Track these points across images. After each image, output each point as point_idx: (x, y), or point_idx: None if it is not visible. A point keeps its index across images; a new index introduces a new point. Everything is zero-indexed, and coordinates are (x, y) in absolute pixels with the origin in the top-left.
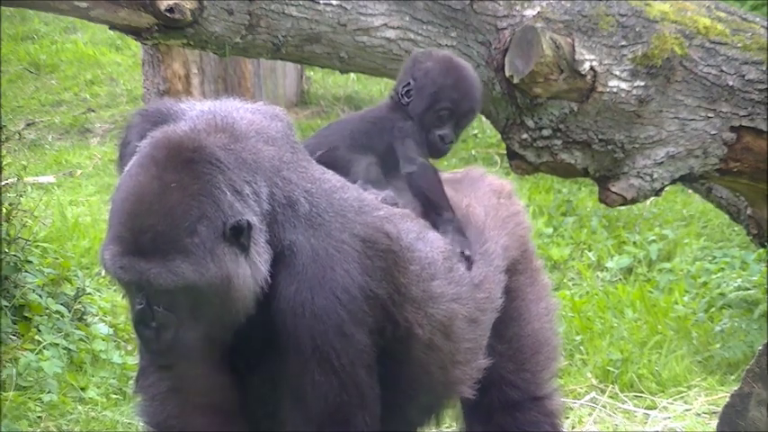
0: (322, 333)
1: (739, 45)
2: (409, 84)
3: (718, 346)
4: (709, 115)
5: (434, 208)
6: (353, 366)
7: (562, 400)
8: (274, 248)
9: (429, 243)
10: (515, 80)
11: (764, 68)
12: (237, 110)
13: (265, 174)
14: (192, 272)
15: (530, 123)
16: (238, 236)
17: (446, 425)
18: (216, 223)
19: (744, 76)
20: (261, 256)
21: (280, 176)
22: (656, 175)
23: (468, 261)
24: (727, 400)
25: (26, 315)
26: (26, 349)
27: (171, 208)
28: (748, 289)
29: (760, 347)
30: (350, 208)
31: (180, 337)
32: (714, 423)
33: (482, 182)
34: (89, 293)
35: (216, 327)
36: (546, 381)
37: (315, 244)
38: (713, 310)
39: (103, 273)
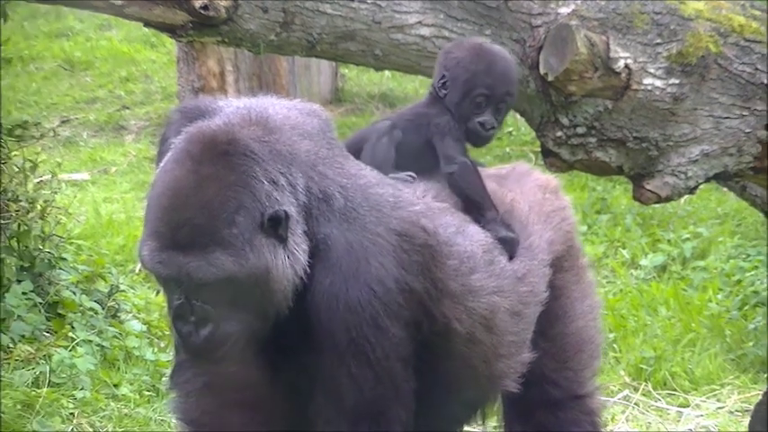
0: (357, 326)
1: None
2: (444, 76)
3: (751, 344)
4: (744, 113)
5: (477, 208)
6: (388, 359)
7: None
8: (310, 242)
9: (469, 237)
10: (550, 78)
11: None
12: (273, 105)
13: (301, 166)
14: (232, 263)
15: (564, 121)
16: (276, 226)
17: (481, 423)
18: (254, 214)
19: None
20: (299, 246)
21: (315, 171)
22: (690, 173)
23: (512, 253)
24: (760, 397)
25: (60, 312)
26: (60, 346)
27: (208, 200)
28: None
29: None
30: (385, 203)
31: (219, 331)
32: (746, 421)
33: (528, 177)
34: (123, 290)
35: (256, 320)
36: (588, 379)
37: (350, 237)
38: (747, 308)
39: (138, 269)
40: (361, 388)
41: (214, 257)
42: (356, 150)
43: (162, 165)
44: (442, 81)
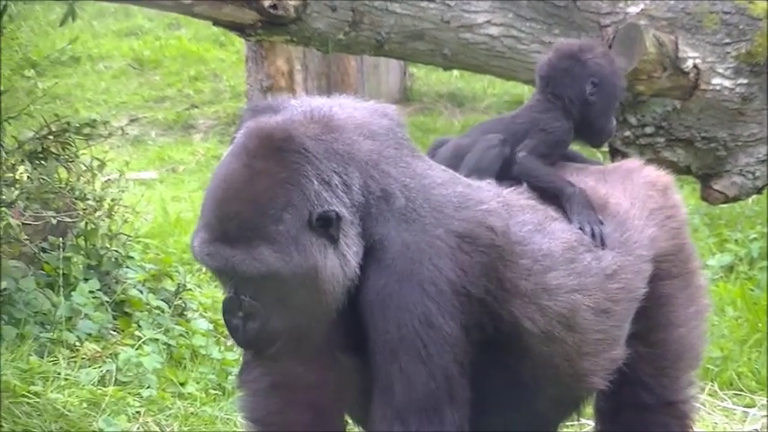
0: (408, 322)
1: None
2: (593, 83)
3: None
4: None
5: (552, 192)
6: (441, 356)
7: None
8: (366, 242)
9: (549, 234)
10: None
11: None
12: (341, 105)
13: (359, 166)
14: (276, 259)
15: (633, 121)
16: (327, 227)
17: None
18: (302, 212)
19: None
20: (350, 248)
21: (377, 170)
22: (758, 173)
23: (596, 237)
24: None
25: (126, 311)
26: (126, 344)
27: (257, 195)
28: None
29: None
30: (448, 203)
31: (267, 327)
32: None
33: (636, 174)
34: (189, 289)
35: (305, 319)
36: (684, 386)
37: (407, 238)
38: None
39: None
40: (413, 384)
41: (258, 252)
42: (457, 160)
43: (222, 158)
44: (591, 89)
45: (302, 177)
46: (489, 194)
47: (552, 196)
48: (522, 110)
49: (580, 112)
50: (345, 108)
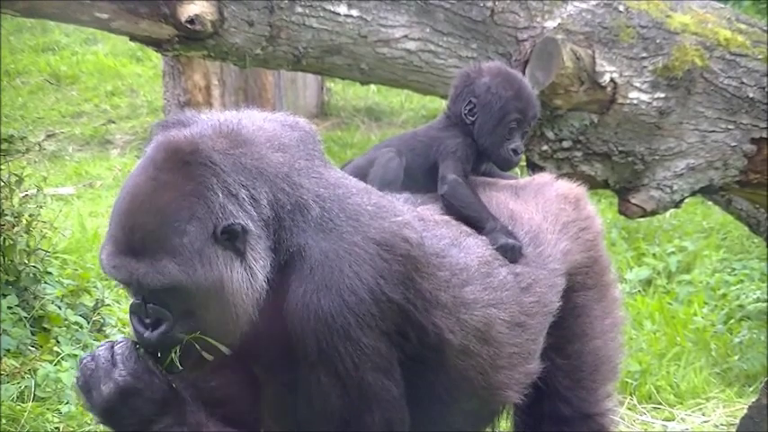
0: (327, 336)
1: (760, 57)
2: (471, 102)
3: (736, 357)
4: (730, 127)
5: (475, 222)
6: (358, 370)
7: (614, 417)
8: (283, 254)
9: (465, 249)
10: (536, 92)
11: None
12: (250, 118)
13: (269, 180)
14: (179, 272)
15: (550, 135)
16: (233, 240)
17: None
18: (206, 224)
19: (764, 87)
20: (258, 261)
21: (288, 182)
22: (676, 187)
23: (513, 260)
24: (745, 411)
25: (45, 326)
26: (45, 360)
27: (162, 208)
28: (767, 301)
29: None
30: (364, 212)
31: (171, 335)
32: None
33: (548, 188)
34: (108, 305)
35: (213, 331)
36: (601, 399)
37: (325, 247)
38: (732, 321)
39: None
40: (329, 397)
41: (162, 265)
42: (362, 174)
43: (131, 171)
44: (468, 108)
45: (208, 190)
46: (403, 208)
47: (472, 225)
48: (424, 127)
49: (469, 132)
50: (255, 121)
